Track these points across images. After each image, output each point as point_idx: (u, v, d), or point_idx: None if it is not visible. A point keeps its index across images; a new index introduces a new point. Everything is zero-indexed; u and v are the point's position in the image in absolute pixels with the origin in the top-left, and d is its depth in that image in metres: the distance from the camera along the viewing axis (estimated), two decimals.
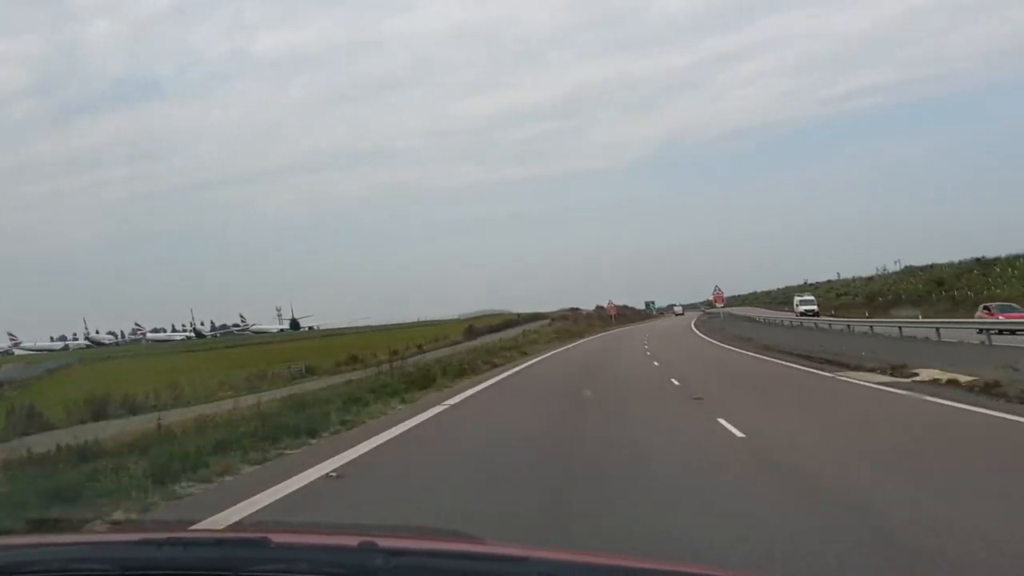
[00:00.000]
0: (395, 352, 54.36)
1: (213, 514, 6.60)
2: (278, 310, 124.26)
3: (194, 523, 5.22)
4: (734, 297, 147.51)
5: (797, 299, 65.86)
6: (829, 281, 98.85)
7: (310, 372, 41.60)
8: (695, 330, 62.21)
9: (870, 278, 76.12)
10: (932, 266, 63.37)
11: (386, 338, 66.78)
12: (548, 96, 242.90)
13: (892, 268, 74.40)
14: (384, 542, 1.72)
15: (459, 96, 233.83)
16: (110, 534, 3.25)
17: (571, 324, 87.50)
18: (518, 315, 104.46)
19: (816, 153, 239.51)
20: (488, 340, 55.63)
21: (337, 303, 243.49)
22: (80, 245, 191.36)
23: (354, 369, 36.87)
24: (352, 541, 1.74)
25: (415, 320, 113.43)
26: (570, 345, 50.10)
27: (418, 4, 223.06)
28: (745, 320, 71.62)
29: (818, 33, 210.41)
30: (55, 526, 4.61)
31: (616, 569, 1.72)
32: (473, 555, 1.79)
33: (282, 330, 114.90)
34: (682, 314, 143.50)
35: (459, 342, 61.13)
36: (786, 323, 50.08)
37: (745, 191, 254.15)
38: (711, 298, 77.45)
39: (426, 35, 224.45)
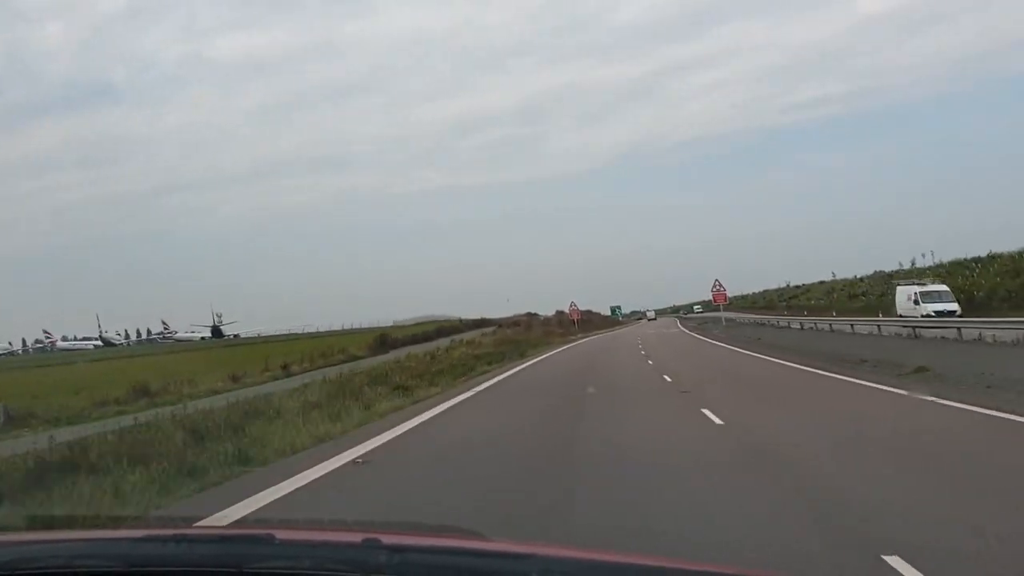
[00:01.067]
0: (235, 378, 36.00)
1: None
2: (218, 316, 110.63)
3: (199, 520, 5.40)
4: (705, 303, 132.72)
5: (915, 291, 36.33)
6: (822, 282, 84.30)
7: (25, 419, 23.93)
8: (738, 348, 34.43)
9: (890, 275, 60.42)
10: (993, 256, 47.58)
11: (296, 347, 54.93)
12: (510, 102, 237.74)
13: (922, 263, 58.23)
14: (388, 539, 1.70)
15: (420, 101, 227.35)
16: (115, 531, 2.95)
17: (522, 332, 69.03)
18: (461, 321, 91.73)
19: (778, 160, 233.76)
20: (390, 358, 38.95)
21: (284, 308, 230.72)
22: (37, 249, 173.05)
23: (122, 412, 23.07)
24: (356, 538, 1.73)
25: (340, 328, 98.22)
26: (491, 382, 24.27)
27: (379, 9, 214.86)
28: (768, 327, 52.16)
29: (775, 43, 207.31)
30: (59, 523, 4.69)
31: (620, 566, 1.70)
32: (477, 552, 1.77)
33: (203, 338, 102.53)
34: (655, 319, 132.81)
35: (360, 357, 47.83)
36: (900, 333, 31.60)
37: (708, 197, 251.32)
38: (712, 298, 58.61)
39: (387, 40, 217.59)
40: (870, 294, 56.96)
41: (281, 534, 1.80)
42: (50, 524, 4.26)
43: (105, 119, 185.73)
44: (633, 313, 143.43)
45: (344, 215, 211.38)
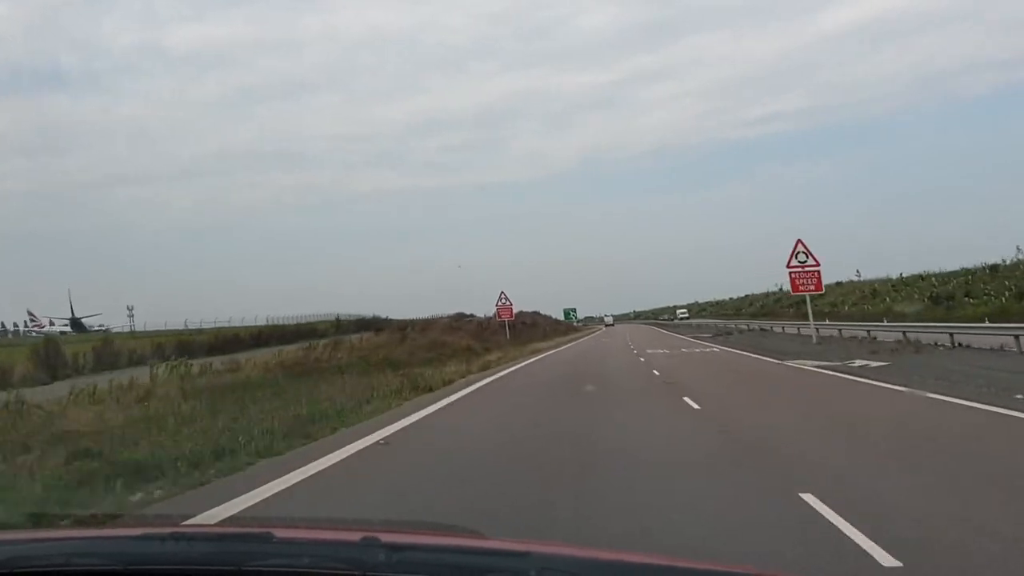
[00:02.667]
0: None
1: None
2: (129, 309, 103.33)
3: (195, 516, 5.31)
4: (696, 307, 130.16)
5: None
6: (839, 283, 76.23)
7: None
8: None
9: (994, 267, 43.74)
10: None
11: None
12: (470, 105, 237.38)
13: None
14: (386, 537, 1.71)
15: (378, 101, 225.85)
16: (113, 529, 3.04)
17: (395, 344, 38.94)
18: (339, 322, 74.48)
19: (745, 169, 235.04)
20: None
21: (218, 302, 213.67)
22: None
23: None
24: (354, 536, 1.74)
25: (228, 322, 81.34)
26: None
27: (341, 5, 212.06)
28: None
29: (737, 56, 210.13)
30: (56, 520, 4.54)
31: (618, 564, 1.70)
32: (475, 550, 1.78)
33: (63, 332, 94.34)
34: (612, 324, 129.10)
35: None
36: None
37: (671, 205, 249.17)
38: (790, 284, 30.59)
39: (346, 38, 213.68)
40: (992, 293, 37.57)
41: (279, 532, 1.81)
42: (48, 522, 4.15)
43: (49, 107, 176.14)
44: (588, 319, 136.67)
45: (297, 212, 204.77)
